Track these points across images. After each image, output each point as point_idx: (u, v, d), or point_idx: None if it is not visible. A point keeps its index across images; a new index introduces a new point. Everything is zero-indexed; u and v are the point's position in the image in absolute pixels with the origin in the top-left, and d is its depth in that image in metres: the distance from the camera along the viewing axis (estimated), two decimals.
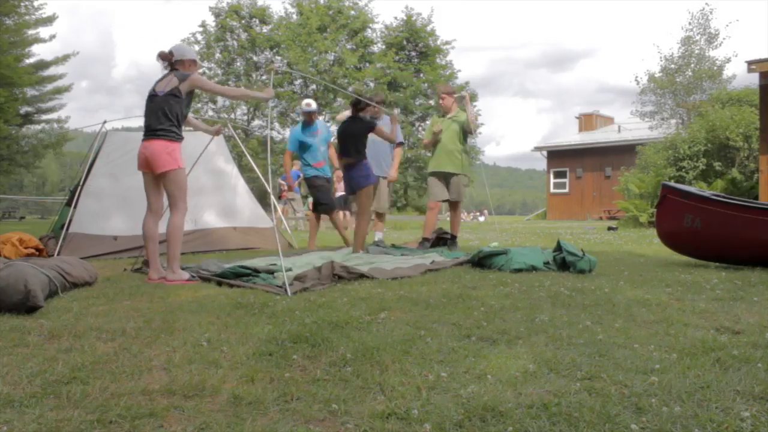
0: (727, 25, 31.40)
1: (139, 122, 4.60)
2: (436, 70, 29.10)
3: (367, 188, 5.82)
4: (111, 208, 6.53)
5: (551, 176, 29.85)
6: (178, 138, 4.39)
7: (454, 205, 6.99)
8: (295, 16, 29.66)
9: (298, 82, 28.13)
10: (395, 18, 31.65)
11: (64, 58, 29.14)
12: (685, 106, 21.46)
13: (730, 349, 2.27)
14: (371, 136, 5.99)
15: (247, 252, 6.62)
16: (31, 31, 27.30)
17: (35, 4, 26.65)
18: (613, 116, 34.43)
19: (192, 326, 2.71)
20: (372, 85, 28.72)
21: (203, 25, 29.30)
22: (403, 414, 1.67)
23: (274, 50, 29.03)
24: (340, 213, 9.75)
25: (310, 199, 8.69)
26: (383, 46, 30.08)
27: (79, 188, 6.61)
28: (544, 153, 30.35)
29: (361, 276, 4.12)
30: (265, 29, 29.68)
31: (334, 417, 1.68)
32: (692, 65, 21.72)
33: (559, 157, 29.56)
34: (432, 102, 27.95)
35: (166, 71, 4.51)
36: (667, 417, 1.62)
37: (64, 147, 31.55)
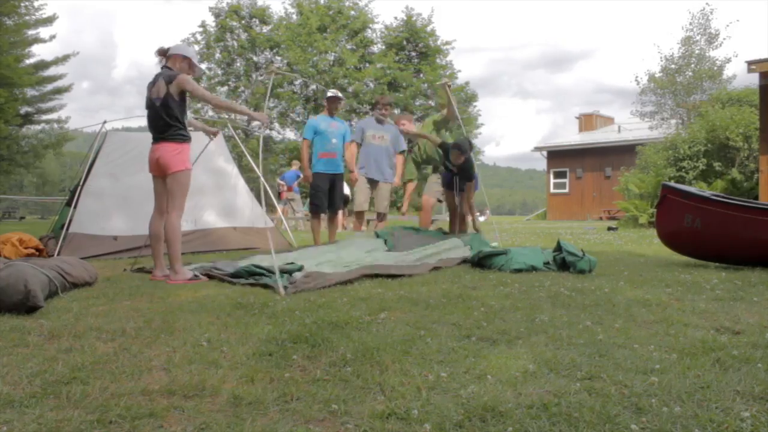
0: (728, 26, 31.27)
1: (140, 122, 4.64)
2: (436, 70, 29.07)
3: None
4: (111, 208, 6.53)
5: (551, 176, 29.83)
6: (186, 139, 4.46)
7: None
8: (295, 17, 29.64)
9: (298, 82, 28.12)
10: (395, 18, 31.60)
11: (64, 59, 29.17)
12: (685, 106, 21.45)
13: (730, 349, 2.27)
14: (369, 141, 6.84)
15: (248, 252, 6.62)
16: (31, 32, 27.34)
17: (35, 4, 26.71)
18: (613, 116, 34.44)
19: (192, 326, 2.71)
20: (372, 85, 28.71)
21: (203, 25, 29.29)
22: (403, 414, 1.67)
23: (274, 50, 29.01)
24: (340, 213, 9.69)
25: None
26: (383, 47, 30.07)
27: (79, 188, 6.61)
28: (544, 153, 30.33)
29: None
30: (265, 29, 29.66)
31: (334, 417, 1.68)
32: (692, 65, 21.70)
33: (559, 157, 29.55)
34: (432, 102, 27.96)
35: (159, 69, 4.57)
36: (667, 417, 1.62)
37: (64, 147, 31.59)
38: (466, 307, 3.13)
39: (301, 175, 6.91)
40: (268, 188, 4.64)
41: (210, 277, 4.38)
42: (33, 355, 2.25)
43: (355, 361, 2.16)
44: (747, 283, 3.97)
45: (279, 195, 14.79)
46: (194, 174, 5.44)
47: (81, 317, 2.90)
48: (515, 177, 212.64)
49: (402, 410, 1.69)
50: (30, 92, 27.85)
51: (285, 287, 3.67)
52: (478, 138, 32.94)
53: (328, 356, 2.23)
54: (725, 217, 4.82)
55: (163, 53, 4.54)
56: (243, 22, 29.65)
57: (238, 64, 29.82)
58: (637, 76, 34.61)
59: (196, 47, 28.69)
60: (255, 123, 16.00)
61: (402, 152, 7.12)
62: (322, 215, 6.87)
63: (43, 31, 34.83)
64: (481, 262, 4.85)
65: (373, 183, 7.02)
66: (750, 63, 10.12)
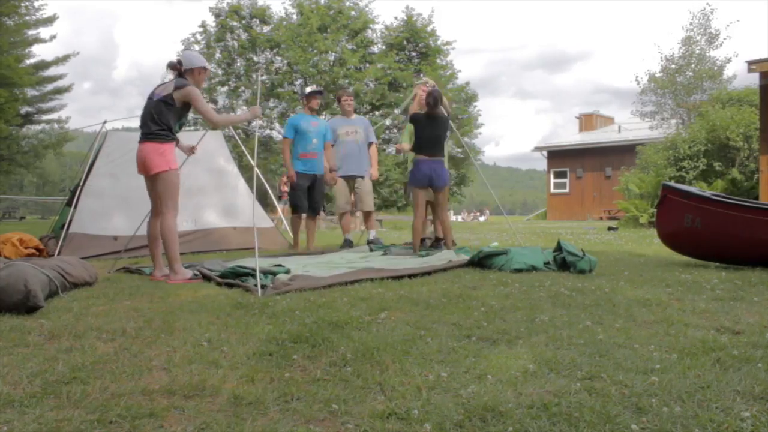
0: (728, 26, 31.22)
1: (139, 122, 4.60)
2: (436, 70, 29.04)
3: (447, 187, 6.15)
4: (111, 208, 6.53)
5: (551, 176, 29.84)
6: (169, 139, 4.38)
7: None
8: (295, 17, 29.63)
9: (298, 82, 28.12)
10: (395, 18, 31.58)
11: (65, 59, 29.16)
12: (685, 106, 21.45)
13: (730, 349, 2.27)
14: (343, 139, 6.83)
15: (248, 252, 6.62)
16: (31, 32, 27.32)
17: (36, 4, 26.69)
18: (613, 116, 34.43)
19: (192, 326, 2.71)
20: (372, 85, 28.70)
21: (203, 25, 29.29)
22: (403, 414, 1.67)
23: (275, 50, 29.01)
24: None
25: None
26: (384, 47, 30.05)
27: (80, 188, 6.61)
28: (545, 153, 30.34)
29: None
30: (266, 29, 29.66)
31: (334, 417, 1.68)
32: (693, 65, 21.69)
33: (559, 157, 29.55)
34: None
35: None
36: (667, 417, 1.62)
37: (65, 147, 31.58)
38: (467, 307, 3.13)
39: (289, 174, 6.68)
40: (263, 179, 4.60)
41: (204, 276, 4.37)
42: (33, 355, 2.25)
43: (355, 360, 2.16)
44: (747, 283, 3.97)
45: (280, 196, 14.79)
46: (194, 174, 5.45)
47: (81, 317, 2.90)
48: (515, 177, 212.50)
49: (402, 410, 1.69)
50: (30, 92, 27.83)
51: (263, 287, 3.66)
52: (478, 138, 32.93)
53: (329, 356, 2.23)
54: (725, 217, 4.82)
55: (175, 68, 4.46)
56: (243, 22, 29.65)
57: (239, 64, 29.81)
58: (637, 76, 34.58)
59: (196, 47, 28.69)
60: (255, 123, 15.95)
61: (370, 144, 7.02)
62: (303, 215, 6.78)
63: (44, 31, 34.79)
64: (482, 262, 4.84)
65: (351, 181, 6.92)
66: (750, 63, 10.12)
